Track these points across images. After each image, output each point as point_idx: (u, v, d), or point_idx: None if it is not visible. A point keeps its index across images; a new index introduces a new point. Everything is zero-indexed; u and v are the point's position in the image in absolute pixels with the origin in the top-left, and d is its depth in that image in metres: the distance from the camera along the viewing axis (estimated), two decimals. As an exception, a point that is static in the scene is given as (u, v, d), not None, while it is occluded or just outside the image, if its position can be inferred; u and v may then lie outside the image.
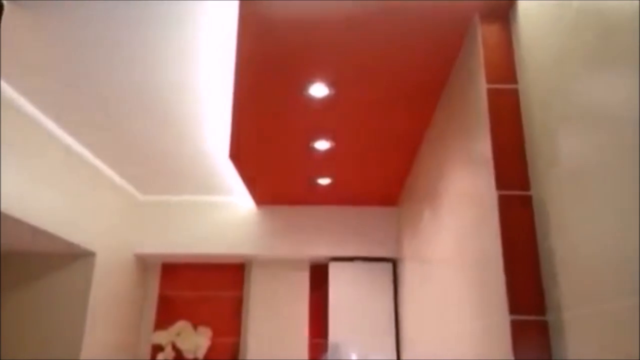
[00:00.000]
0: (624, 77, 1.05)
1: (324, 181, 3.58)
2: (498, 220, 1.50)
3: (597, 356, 1.13)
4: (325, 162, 3.22)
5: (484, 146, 1.65)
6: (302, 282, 4.28)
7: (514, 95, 1.60)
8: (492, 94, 1.62)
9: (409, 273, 3.43)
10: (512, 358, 1.38)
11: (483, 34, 1.72)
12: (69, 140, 3.26)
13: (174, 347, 4.18)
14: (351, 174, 3.45)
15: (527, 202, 1.50)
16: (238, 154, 3.08)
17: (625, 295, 1.03)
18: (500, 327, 1.48)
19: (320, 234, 4.12)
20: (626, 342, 1.02)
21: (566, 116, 1.30)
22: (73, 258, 3.59)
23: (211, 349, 4.20)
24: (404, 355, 3.67)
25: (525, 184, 1.52)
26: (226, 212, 4.24)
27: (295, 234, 4.14)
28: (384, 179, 3.53)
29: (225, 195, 4.24)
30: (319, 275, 4.25)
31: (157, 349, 4.21)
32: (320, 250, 4.11)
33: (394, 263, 4.07)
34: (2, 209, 2.60)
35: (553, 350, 1.35)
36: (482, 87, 1.66)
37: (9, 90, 2.67)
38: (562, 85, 1.33)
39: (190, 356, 4.15)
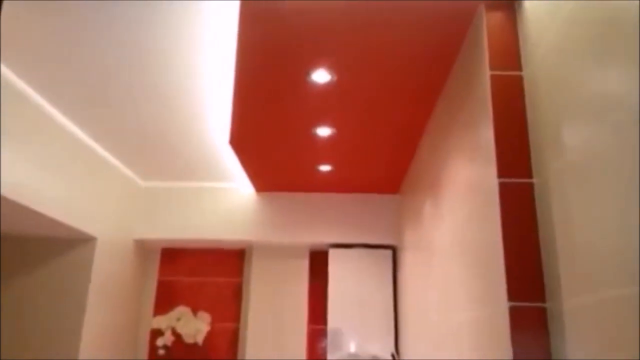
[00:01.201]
0: (628, 67, 1.04)
1: (325, 168, 3.57)
2: (499, 208, 1.50)
3: (595, 344, 1.14)
4: (326, 149, 3.21)
5: (486, 133, 1.64)
6: (302, 269, 4.29)
7: (518, 82, 1.59)
8: (496, 81, 1.61)
9: (409, 260, 3.44)
10: (510, 344, 1.38)
11: (488, 22, 1.71)
12: (70, 126, 3.26)
13: (174, 332, 4.20)
14: (352, 161, 3.44)
15: (528, 190, 1.49)
16: (238, 140, 3.07)
17: (625, 284, 1.03)
18: (499, 314, 1.48)
19: (320, 221, 4.12)
20: (625, 331, 1.02)
21: (570, 104, 1.29)
22: (74, 243, 3.60)
23: (211, 333, 4.23)
24: (402, 342, 3.69)
25: (527, 171, 1.51)
26: (226, 199, 4.24)
27: (296, 220, 4.15)
28: (385, 167, 3.52)
29: (225, 181, 4.23)
30: (318, 262, 4.26)
31: (157, 333, 4.24)
32: (320, 236, 4.11)
33: (394, 250, 4.08)
34: (3, 194, 2.60)
35: (552, 338, 1.35)
36: (485, 73, 1.65)
37: (10, 76, 2.66)
38: (566, 74, 1.32)
39: (190, 341, 4.18)
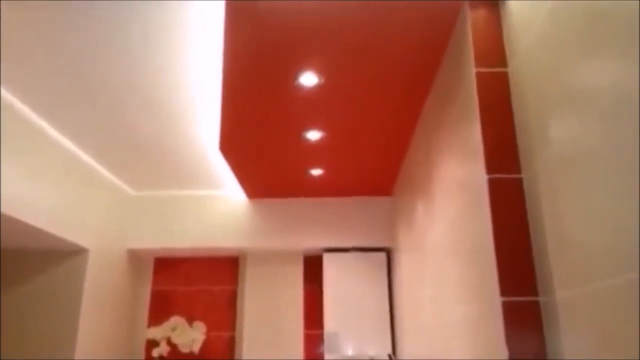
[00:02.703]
0: (613, 60, 1.05)
1: (316, 172, 3.57)
2: (489, 204, 1.51)
3: (589, 333, 1.14)
4: (317, 153, 3.21)
5: (474, 130, 1.65)
6: (297, 274, 4.28)
7: (504, 78, 1.60)
8: (482, 78, 1.62)
9: (404, 261, 3.44)
10: (504, 339, 1.38)
11: (472, 20, 1.72)
12: (60, 138, 3.25)
13: (169, 342, 4.17)
14: (343, 164, 3.45)
15: (517, 185, 1.50)
16: (228, 146, 3.07)
17: (616, 273, 1.03)
18: (492, 309, 1.48)
19: (313, 226, 4.12)
20: (618, 319, 1.02)
21: (555, 98, 1.30)
22: (66, 255, 3.57)
23: (206, 342, 4.20)
24: (399, 343, 3.68)
25: (515, 166, 1.52)
26: (218, 206, 4.23)
27: (289, 226, 4.14)
28: (377, 169, 3.52)
29: (217, 189, 4.22)
30: (313, 267, 4.25)
31: (152, 344, 4.20)
32: (314, 241, 4.11)
33: (388, 252, 4.08)
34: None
35: (545, 330, 1.35)
36: (471, 70, 1.66)
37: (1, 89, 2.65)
38: (552, 68, 1.33)
39: (186, 350, 4.14)
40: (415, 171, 2.90)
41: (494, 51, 1.65)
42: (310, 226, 4.12)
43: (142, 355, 4.23)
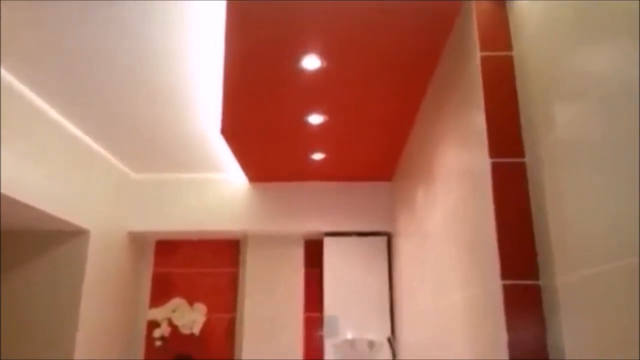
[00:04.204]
0: (616, 46, 1.05)
1: (318, 156, 3.57)
2: (491, 188, 1.51)
3: (589, 317, 1.15)
4: (318, 137, 3.20)
5: (477, 114, 1.65)
6: (297, 258, 4.31)
7: (509, 62, 1.59)
8: (486, 62, 1.61)
9: (404, 246, 3.45)
10: (505, 322, 1.40)
11: (477, 3, 1.71)
12: (61, 119, 3.24)
13: (170, 323, 4.21)
14: (345, 149, 3.44)
15: (520, 169, 1.50)
16: (229, 130, 3.06)
17: (617, 257, 1.04)
18: (493, 292, 1.49)
19: (314, 210, 4.13)
20: (618, 303, 1.03)
21: (561, 84, 1.30)
22: (67, 236, 3.59)
23: (207, 324, 4.24)
24: (399, 327, 3.72)
25: (519, 151, 1.52)
26: (220, 189, 4.24)
27: (290, 209, 4.15)
28: (378, 153, 3.52)
29: (218, 172, 4.23)
30: (314, 250, 4.27)
31: (153, 325, 4.24)
32: (315, 225, 4.12)
33: (389, 237, 4.10)
34: (-6, 186, 2.58)
35: (546, 313, 1.37)
36: (476, 55, 1.65)
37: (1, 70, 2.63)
38: (556, 53, 1.32)
39: (187, 331, 4.18)
40: (417, 156, 2.90)
41: (499, 35, 1.64)
42: (312, 210, 4.13)
43: (143, 336, 4.27)
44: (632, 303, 0.98)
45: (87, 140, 3.58)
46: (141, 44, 2.47)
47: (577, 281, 1.21)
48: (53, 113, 3.14)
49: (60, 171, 3.25)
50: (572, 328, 1.24)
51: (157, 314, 4.24)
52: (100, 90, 2.92)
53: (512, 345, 1.38)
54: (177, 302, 4.28)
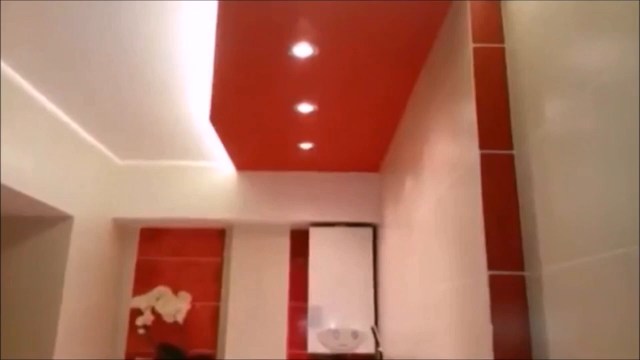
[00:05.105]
0: (609, 40, 1.05)
1: (306, 146, 3.56)
2: (479, 179, 1.52)
3: (573, 308, 1.17)
4: (308, 126, 3.19)
5: (468, 106, 1.65)
6: (283, 247, 4.31)
7: (500, 54, 1.60)
8: (478, 53, 1.61)
9: (390, 237, 3.47)
10: (489, 312, 1.41)
11: (470, -5, 1.71)
12: (47, 103, 3.18)
13: (154, 312, 4.19)
14: (334, 139, 3.44)
15: (509, 161, 1.51)
16: (218, 117, 3.04)
17: (604, 249, 1.05)
18: (479, 283, 1.51)
19: (301, 200, 4.13)
20: (602, 294, 1.05)
21: (552, 77, 1.30)
22: (51, 221, 3.54)
23: (191, 312, 4.23)
24: (382, 317, 3.74)
25: (508, 143, 1.53)
26: (206, 177, 4.21)
27: (276, 199, 4.15)
28: (367, 145, 3.53)
29: (205, 160, 4.20)
30: (299, 240, 4.28)
31: (136, 312, 4.21)
32: (301, 215, 4.12)
33: (374, 228, 4.11)
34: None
35: (530, 304, 1.38)
36: (468, 46, 1.65)
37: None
38: (549, 46, 1.33)
39: (170, 320, 4.17)
40: (405, 148, 2.91)
41: (492, 26, 1.64)
42: (298, 200, 4.13)
43: (126, 323, 4.25)
44: (618, 294, 0.99)
45: (73, 126, 3.52)
46: (130, 30, 2.43)
47: (561, 272, 1.23)
48: (38, 98, 3.08)
49: (44, 156, 3.20)
50: (554, 320, 1.26)
51: (141, 301, 4.21)
52: (87, 76, 2.88)
53: (497, 336, 1.39)
54: (161, 290, 4.26)
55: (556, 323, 1.25)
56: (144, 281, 4.32)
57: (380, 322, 3.81)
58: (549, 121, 1.31)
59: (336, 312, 3.94)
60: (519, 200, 1.47)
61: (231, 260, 4.29)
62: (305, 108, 2.89)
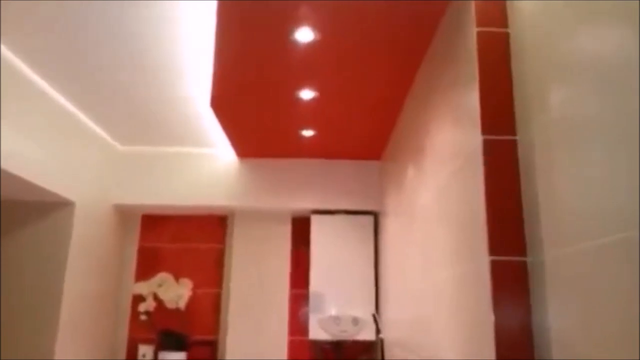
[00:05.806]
0: (613, 26, 1.04)
1: (308, 133, 3.55)
2: (482, 165, 1.51)
3: (575, 292, 1.17)
4: (309, 113, 3.18)
5: (471, 91, 1.64)
6: (284, 234, 4.31)
7: (505, 39, 1.58)
8: (482, 37, 1.60)
9: (391, 225, 3.47)
10: (491, 298, 1.41)
11: (474, -21, 1.68)
12: (48, 89, 3.16)
13: (156, 298, 4.21)
14: (335, 126, 3.43)
15: (512, 147, 1.50)
16: (219, 103, 3.02)
17: (606, 233, 1.05)
18: (480, 269, 1.51)
19: (302, 187, 4.12)
20: (605, 278, 1.05)
21: (556, 63, 1.29)
22: (52, 207, 3.54)
23: (193, 299, 4.25)
24: (383, 304, 3.76)
25: (511, 128, 1.52)
26: (208, 164, 4.20)
27: (278, 186, 4.14)
28: (368, 132, 3.51)
29: (207, 147, 4.18)
30: (301, 228, 4.28)
31: (139, 299, 4.24)
32: (303, 203, 4.12)
33: (375, 216, 4.11)
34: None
35: (531, 289, 1.38)
36: (472, 30, 1.64)
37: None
38: (553, 32, 1.31)
39: (172, 306, 4.19)
40: (407, 135, 2.90)
41: (496, 11, 1.62)
42: (300, 187, 4.13)
43: (128, 310, 4.27)
44: (619, 278, 0.99)
45: (75, 111, 3.51)
46: (131, 15, 2.41)
47: (563, 257, 1.22)
48: (39, 83, 3.07)
49: (46, 142, 3.19)
50: (556, 306, 1.26)
51: (143, 288, 4.23)
52: (87, 61, 2.86)
53: (498, 321, 1.39)
54: (163, 276, 4.27)
55: (558, 308, 1.26)
56: (146, 268, 4.33)
57: (381, 309, 3.83)
58: (553, 107, 1.30)
59: (337, 298, 3.96)
60: (522, 186, 1.47)
61: (233, 247, 4.30)
62: (306, 94, 2.88)
